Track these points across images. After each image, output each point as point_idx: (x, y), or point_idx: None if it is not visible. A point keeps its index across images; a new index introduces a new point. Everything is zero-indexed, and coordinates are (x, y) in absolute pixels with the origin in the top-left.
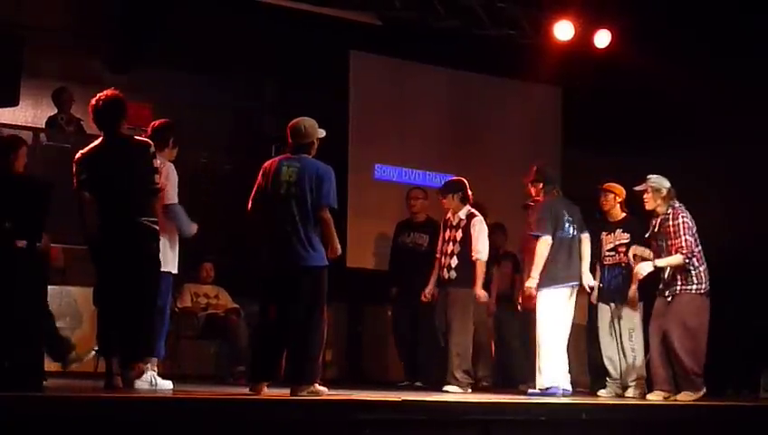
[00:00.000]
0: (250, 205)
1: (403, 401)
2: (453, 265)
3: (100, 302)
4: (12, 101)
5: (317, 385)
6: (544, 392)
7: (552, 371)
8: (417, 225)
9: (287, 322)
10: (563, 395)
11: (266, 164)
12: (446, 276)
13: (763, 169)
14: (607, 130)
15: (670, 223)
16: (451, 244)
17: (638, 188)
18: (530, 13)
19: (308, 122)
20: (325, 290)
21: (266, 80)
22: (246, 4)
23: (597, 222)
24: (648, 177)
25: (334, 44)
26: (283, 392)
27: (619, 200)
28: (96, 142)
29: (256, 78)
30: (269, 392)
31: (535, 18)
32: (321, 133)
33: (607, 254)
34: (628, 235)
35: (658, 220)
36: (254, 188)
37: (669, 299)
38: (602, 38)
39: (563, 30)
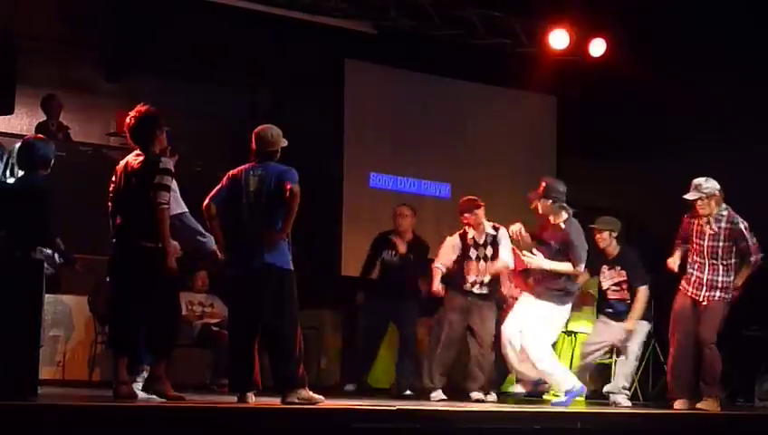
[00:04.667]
0: (206, 202)
1: (399, 409)
2: (486, 282)
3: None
4: (7, 110)
5: (310, 392)
6: (569, 398)
7: (564, 378)
8: (404, 243)
9: (257, 328)
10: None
11: (234, 171)
12: (477, 292)
13: (760, 177)
14: (602, 138)
15: (723, 225)
16: (483, 262)
17: (690, 198)
18: (525, 22)
19: (275, 130)
20: (294, 293)
21: (261, 88)
22: (241, 13)
23: (596, 257)
24: (697, 183)
25: (329, 53)
26: (274, 401)
27: (615, 235)
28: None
29: (251, 86)
30: (260, 401)
31: (530, 27)
32: (284, 142)
33: (612, 288)
34: (625, 271)
35: (705, 220)
36: (216, 189)
37: (704, 303)
38: (597, 47)
39: (558, 39)
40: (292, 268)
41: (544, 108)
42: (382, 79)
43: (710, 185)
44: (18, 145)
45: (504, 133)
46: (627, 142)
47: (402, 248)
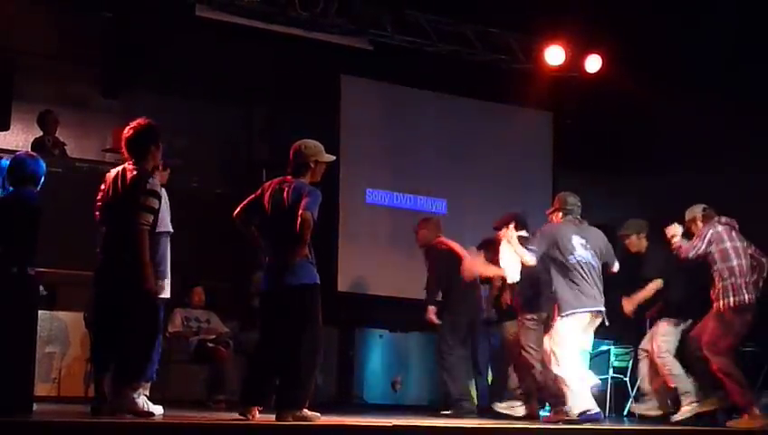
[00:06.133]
0: (237, 211)
1: (394, 425)
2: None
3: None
4: (3, 126)
5: (307, 411)
6: (581, 418)
7: (581, 397)
8: None
9: (278, 344)
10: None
11: (267, 183)
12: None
13: (756, 192)
14: (598, 153)
15: None
16: None
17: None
18: (521, 38)
19: (307, 144)
20: (315, 308)
21: (257, 104)
22: (237, 29)
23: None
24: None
25: (325, 69)
26: (269, 418)
27: (642, 236)
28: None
29: (247, 103)
30: (260, 418)
31: (526, 44)
32: (327, 158)
33: None
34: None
35: None
36: (248, 199)
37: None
38: (593, 63)
39: (554, 55)
40: (317, 281)
41: (541, 123)
42: (378, 95)
43: (689, 211)
44: (7, 160)
45: (501, 149)
46: (622, 157)
47: None
